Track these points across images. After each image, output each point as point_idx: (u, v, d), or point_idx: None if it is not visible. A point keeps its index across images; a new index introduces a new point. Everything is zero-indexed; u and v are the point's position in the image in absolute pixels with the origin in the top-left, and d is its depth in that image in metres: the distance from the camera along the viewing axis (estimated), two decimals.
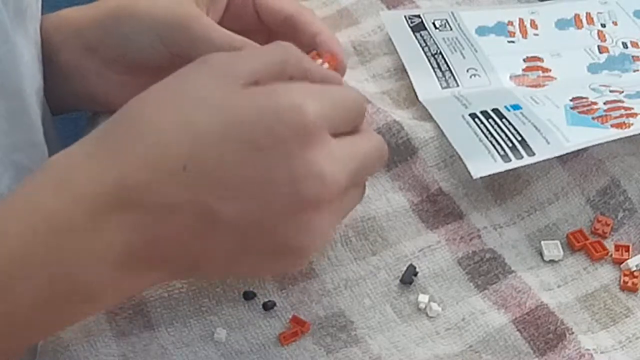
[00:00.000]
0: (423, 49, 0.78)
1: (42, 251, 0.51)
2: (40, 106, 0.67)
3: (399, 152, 0.70)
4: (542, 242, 0.66)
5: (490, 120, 0.70)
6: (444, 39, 0.79)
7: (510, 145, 0.67)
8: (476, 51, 0.78)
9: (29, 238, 0.51)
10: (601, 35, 0.80)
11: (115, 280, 0.53)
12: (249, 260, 0.55)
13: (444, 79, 0.76)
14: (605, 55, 0.78)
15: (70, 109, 0.74)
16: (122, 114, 0.54)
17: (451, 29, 0.80)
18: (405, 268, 0.64)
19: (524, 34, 0.80)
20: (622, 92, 0.73)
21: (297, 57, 0.56)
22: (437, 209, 0.68)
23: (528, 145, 0.67)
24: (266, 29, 0.69)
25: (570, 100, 0.72)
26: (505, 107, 0.71)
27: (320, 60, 0.62)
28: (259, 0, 0.68)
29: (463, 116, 0.71)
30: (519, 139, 0.68)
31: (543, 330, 0.61)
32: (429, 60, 0.77)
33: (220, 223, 0.52)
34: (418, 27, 0.80)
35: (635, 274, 0.64)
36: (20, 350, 0.55)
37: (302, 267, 0.63)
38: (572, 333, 0.61)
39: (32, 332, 0.54)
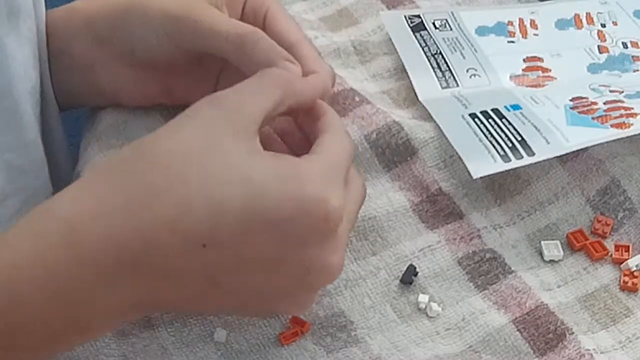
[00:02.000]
0: (423, 49, 0.78)
1: (50, 306, 0.51)
2: (34, 106, 0.67)
3: (399, 152, 0.70)
4: (542, 242, 0.66)
5: (490, 120, 0.70)
6: (444, 39, 0.79)
7: (510, 145, 0.67)
8: (476, 51, 0.78)
9: (39, 295, 0.51)
10: (601, 35, 0.80)
11: (115, 322, 0.56)
12: (246, 314, 0.59)
13: (443, 79, 0.76)
14: (605, 55, 0.78)
15: (78, 104, 0.74)
16: (139, 162, 0.52)
17: (451, 29, 0.80)
18: (405, 268, 0.64)
19: (524, 34, 0.80)
20: (622, 92, 0.73)
21: (291, 84, 0.57)
22: (437, 209, 0.68)
23: (528, 145, 0.67)
24: None
25: (570, 100, 0.72)
26: (505, 107, 0.71)
27: None
28: (269, 22, 0.67)
29: (463, 116, 0.71)
30: (519, 139, 0.68)
31: (543, 330, 0.61)
32: (429, 60, 0.77)
33: (225, 291, 0.53)
34: (418, 27, 0.80)
35: (635, 274, 0.64)
36: None
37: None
38: (572, 333, 0.61)
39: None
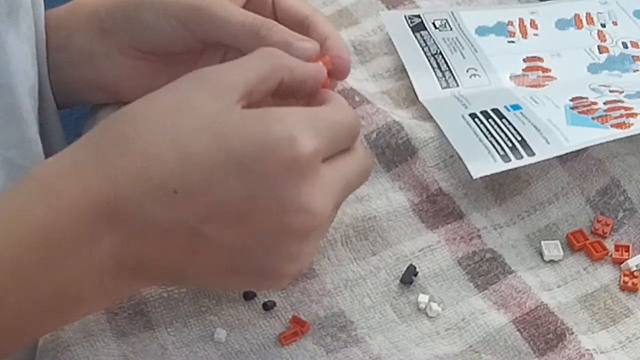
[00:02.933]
0: (423, 49, 0.78)
1: (33, 263, 0.51)
2: (33, 103, 0.67)
3: (399, 152, 0.70)
4: (542, 242, 0.66)
5: (490, 120, 0.70)
6: (444, 39, 0.79)
7: (510, 145, 0.67)
8: (476, 51, 0.78)
9: (20, 250, 0.51)
10: (601, 35, 0.80)
11: (103, 288, 0.54)
12: (233, 278, 0.56)
13: (444, 79, 0.76)
14: (605, 55, 0.78)
15: (78, 100, 0.75)
16: (115, 122, 0.54)
17: (451, 29, 0.80)
18: (405, 268, 0.64)
19: (524, 34, 0.80)
20: (622, 92, 0.73)
21: (283, 60, 0.57)
22: (437, 209, 0.68)
23: (528, 145, 0.67)
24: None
25: (570, 100, 0.72)
26: (505, 107, 0.71)
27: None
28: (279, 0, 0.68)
29: (463, 116, 0.71)
30: (519, 139, 0.68)
31: (543, 330, 0.61)
32: (429, 60, 0.77)
33: (206, 244, 0.52)
34: (418, 27, 0.80)
35: (635, 274, 0.64)
36: (2, 353, 0.55)
37: (285, 287, 0.63)
38: (572, 333, 0.61)
39: (17, 336, 0.54)
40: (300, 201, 0.52)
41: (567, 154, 0.68)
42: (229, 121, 0.52)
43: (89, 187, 0.51)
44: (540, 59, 0.78)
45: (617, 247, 0.66)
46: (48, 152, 0.72)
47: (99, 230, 0.51)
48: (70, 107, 0.75)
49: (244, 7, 0.69)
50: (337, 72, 0.62)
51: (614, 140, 0.68)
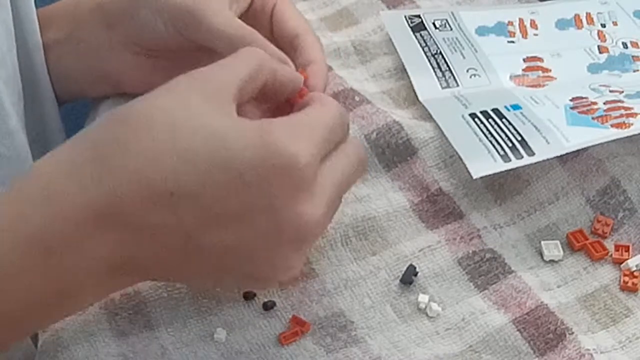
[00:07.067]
0: (423, 49, 0.78)
1: (31, 265, 0.51)
2: (13, 94, 0.67)
3: (399, 152, 0.70)
4: (542, 242, 0.66)
5: (490, 120, 0.70)
6: (444, 39, 0.79)
7: (510, 145, 0.67)
8: (476, 51, 0.78)
9: (18, 253, 0.51)
10: (601, 36, 0.80)
11: (100, 285, 0.54)
12: (225, 279, 0.57)
13: (444, 79, 0.76)
14: (605, 55, 0.78)
15: (80, 94, 0.75)
16: (113, 123, 0.53)
17: (451, 29, 0.80)
18: (405, 268, 0.64)
19: (524, 34, 0.80)
20: (622, 92, 0.73)
21: (267, 60, 0.57)
22: (437, 209, 0.68)
23: (528, 145, 0.67)
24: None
25: (570, 100, 0.72)
26: (505, 107, 0.71)
27: None
28: (277, 13, 0.68)
29: (463, 116, 0.71)
30: (519, 139, 0.68)
31: (543, 330, 0.61)
32: (429, 60, 0.77)
33: (199, 248, 0.53)
34: (418, 27, 0.80)
35: (635, 274, 0.64)
36: None
37: (278, 287, 0.64)
38: (572, 333, 0.61)
39: (11, 334, 0.55)
40: (295, 211, 0.52)
41: (567, 154, 0.68)
42: (227, 127, 0.52)
43: (86, 191, 0.51)
44: (540, 59, 0.78)
45: (617, 247, 0.66)
46: (48, 148, 0.72)
47: (96, 232, 0.51)
48: (72, 102, 0.76)
49: (246, 12, 0.69)
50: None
51: (614, 140, 0.68)
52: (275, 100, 0.60)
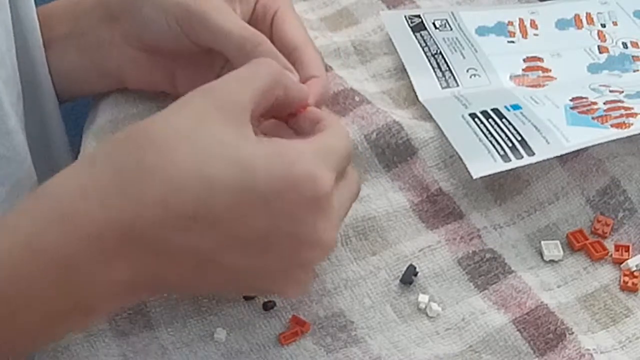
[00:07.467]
0: (423, 49, 0.78)
1: (48, 283, 0.51)
2: (13, 94, 0.67)
3: (399, 152, 0.70)
4: (542, 242, 0.66)
5: (490, 120, 0.70)
6: (444, 39, 0.79)
7: (510, 145, 0.67)
8: (476, 51, 0.78)
9: (35, 271, 0.51)
10: (601, 36, 0.80)
11: (116, 301, 0.55)
12: (239, 289, 0.60)
13: (444, 79, 0.76)
14: (605, 55, 0.78)
15: (81, 90, 0.75)
16: (134, 143, 0.53)
17: (451, 29, 0.80)
18: (405, 268, 0.64)
19: (524, 34, 0.80)
20: (622, 92, 0.73)
21: (280, 75, 0.58)
22: (437, 209, 0.68)
23: (528, 145, 0.67)
24: None
25: (570, 100, 0.72)
26: (505, 107, 0.71)
27: None
28: (277, 22, 0.68)
29: (463, 116, 0.71)
30: (519, 138, 0.68)
31: (543, 330, 0.61)
32: (429, 60, 0.77)
33: (220, 267, 0.54)
34: (418, 27, 0.80)
35: (635, 274, 0.64)
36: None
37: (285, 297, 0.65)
38: (572, 333, 0.61)
39: (25, 346, 0.55)
40: (316, 237, 0.54)
41: (567, 154, 0.68)
42: (250, 152, 0.52)
43: (107, 214, 0.51)
44: (540, 59, 0.78)
45: (617, 247, 0.66)
46: (48, 148, 0.72)
47: (115, 254, 0.52)
48: (73, 100, 0.76)
49: (248, 19, 0.69)
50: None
51: (614, 140, 0.68)
52: (279, 114, 0.60)
